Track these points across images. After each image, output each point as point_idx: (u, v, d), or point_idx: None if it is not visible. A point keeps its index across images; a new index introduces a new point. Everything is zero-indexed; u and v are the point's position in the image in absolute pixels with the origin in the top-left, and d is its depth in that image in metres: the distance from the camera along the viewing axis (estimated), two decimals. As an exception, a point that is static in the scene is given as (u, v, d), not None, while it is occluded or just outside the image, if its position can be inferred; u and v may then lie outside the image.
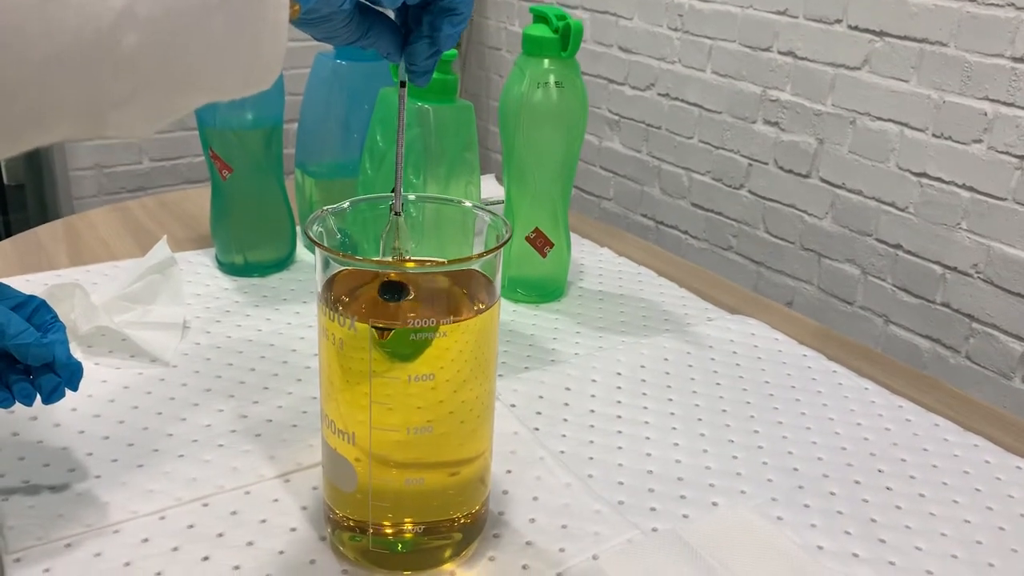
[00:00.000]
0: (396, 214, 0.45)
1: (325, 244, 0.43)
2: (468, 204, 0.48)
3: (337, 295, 0.43)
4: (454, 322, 0.42)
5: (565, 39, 0.71)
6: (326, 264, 0.43)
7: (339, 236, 0.46)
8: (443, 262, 0.41)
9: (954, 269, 1.42)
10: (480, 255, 0.42)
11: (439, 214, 0.54)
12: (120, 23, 0.26)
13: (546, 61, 0.72)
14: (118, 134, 0.28)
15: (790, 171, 1.65)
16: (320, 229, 0.44)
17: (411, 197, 0.47)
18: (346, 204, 0.46)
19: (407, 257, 0.44)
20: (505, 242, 0.42)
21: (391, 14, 0.44)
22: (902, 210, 1.47)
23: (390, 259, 0.44)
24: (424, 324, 0.41)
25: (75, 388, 0.50)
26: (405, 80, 0.46)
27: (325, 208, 0.45)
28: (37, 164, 2.28)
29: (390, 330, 0.41)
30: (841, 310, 1.61)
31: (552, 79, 0.72)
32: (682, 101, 1.84)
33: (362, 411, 0.43)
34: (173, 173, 2.27)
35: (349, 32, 0.41)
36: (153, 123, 0.29)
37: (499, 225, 0.45)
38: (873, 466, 0.59)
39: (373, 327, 0.41)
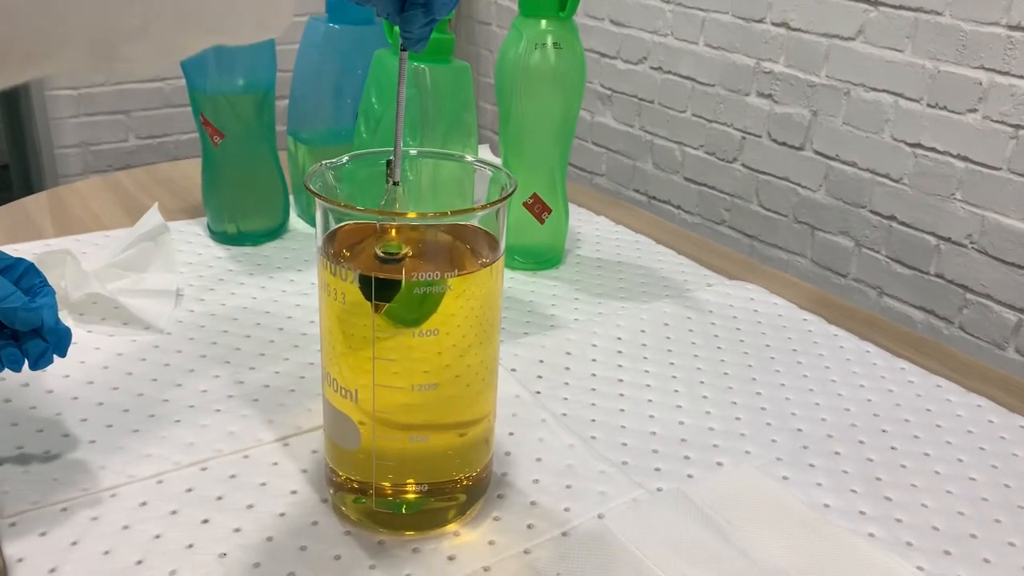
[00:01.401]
0: (395, 183, 0.43)
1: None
2: (470, 159, 0.47)
3: (338, 250, 0.42)
4: (459, 275, 0.41)
5: (563, -1, 0.70)
6: (326, 218, 0.42)
7: (338, 193, 0.45)
8: (446, 213, 0.41)
9: (948, 240, 1.41)
10: (484, 206, 0.41)
11: (436, 176, 0.53)
12: None
13: (543, 22, 0.71)
14: (128, 69, 0.28)
15: (783, 143, 1.64)
16: (320, 183, 0.43)
17: (412, 152, 0.46)
18: (345, 159, 0.45)
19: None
20: (510, 194, 0.41)
21: None
22: (896, 181, 1.47)
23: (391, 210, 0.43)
24: (429, 278, 0.40)
25: (63, 354, 0.48)
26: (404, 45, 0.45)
27: (324, 162, 0.44)
28: (22, 143, 2.24)
29: (394, 287, 0.40)
30: (835, 282, 1.60)
31: (550, 40, 0.71)
32: (675, 74, 1.83)
33: (366, 369, 0.42)
34: (160, 151, 2.25)
35: None
36: (162, 59, 0.28)
37: (502, 178, 0.44)
38: (877, 426, 0.59)
39: (375, 284, 0.40)
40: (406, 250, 0.41)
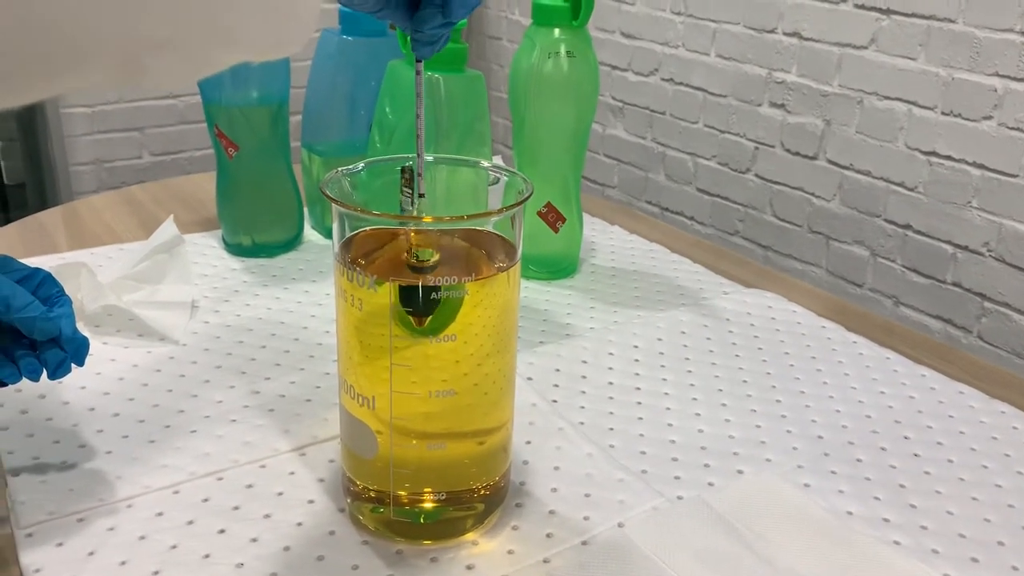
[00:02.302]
0: (421, 195, 0.43)
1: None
2: (485, 164, 0.47)
3: (355, 257, 0.42)
4: (476, 280, 0.41)
5: (576, 7, 0.70)
6: (343, 224, 0.42)
7: (354, 200, 0.45)
8: (463, 217, 0.40)
9: (965, 248, 1.40)
10: (502, 209, 0.40)
11: (451, 184, 0.52)
12: None
13: (557, 31, 0.71)
14: (155, 83, 0.27)
15: (797, 153, 1.64)
16: (336, 189, 0.43)
17: (428, 158, 0.46)
18: (360, 165, 0.45)
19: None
20: (527, 198, 0.41)
21: None
22: (911, 190, 1.46)
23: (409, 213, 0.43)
24: (447, 282, 0.40)
25: (81, 363, 0.48)
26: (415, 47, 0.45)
27: (339, 169, 0.44)
28: (37, 161, 2.26)
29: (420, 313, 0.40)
30: (851, 292, 1.59)
31: (563, 49, 0.71)
32: (686, 86, 1.83)
33: (383, 377, 0.42)
34: (174, 168, 2.26)
35: None
36: (188, 74, 0.28)
37: (518, 182, 0.44)
38: (899, 433, 0.58)
39: (398, 293, 0.40)
40: (436, 257, 0.41)
